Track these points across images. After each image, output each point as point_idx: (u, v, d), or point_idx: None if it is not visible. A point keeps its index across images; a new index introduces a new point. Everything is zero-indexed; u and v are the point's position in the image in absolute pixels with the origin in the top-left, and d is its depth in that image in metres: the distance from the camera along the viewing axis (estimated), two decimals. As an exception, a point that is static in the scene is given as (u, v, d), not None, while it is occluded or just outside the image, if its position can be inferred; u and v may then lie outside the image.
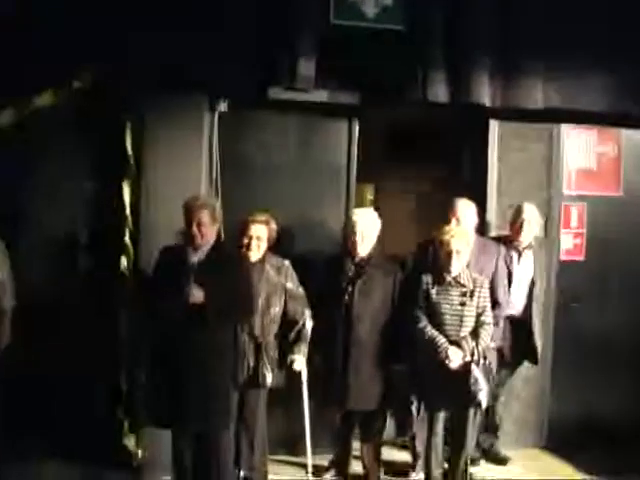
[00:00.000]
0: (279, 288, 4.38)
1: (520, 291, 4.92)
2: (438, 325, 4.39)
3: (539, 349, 4.97)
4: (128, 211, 4.71)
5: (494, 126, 5.28)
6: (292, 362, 4.37)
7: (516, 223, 4.90)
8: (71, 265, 4.87)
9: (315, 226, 5.04)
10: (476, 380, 4.31)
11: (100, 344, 4.64)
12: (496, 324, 4.61)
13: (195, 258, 4.03)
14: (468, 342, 4.35)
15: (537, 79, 4.98)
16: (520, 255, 4.92)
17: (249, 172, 5.04)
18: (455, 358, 4.32)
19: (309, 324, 4.42)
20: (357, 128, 5.16)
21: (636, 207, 5.53)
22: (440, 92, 4.87)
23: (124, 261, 4.70)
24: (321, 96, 4.87)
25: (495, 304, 4.63)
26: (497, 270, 4.76)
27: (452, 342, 4.35)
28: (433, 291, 4.43)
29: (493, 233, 5.21)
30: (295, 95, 4.79)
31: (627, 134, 5.52)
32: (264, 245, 4.38)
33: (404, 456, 5.13)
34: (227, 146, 4.94)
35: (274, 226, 4.43)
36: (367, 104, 4.95)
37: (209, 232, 4.04)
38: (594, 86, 5.09)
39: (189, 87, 4.63)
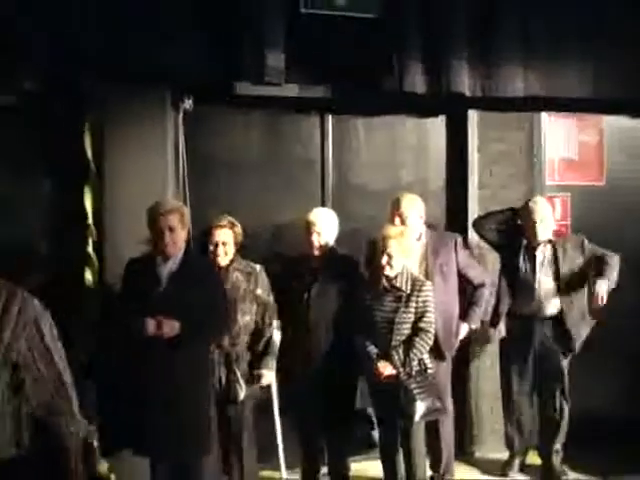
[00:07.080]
0: (248, 295, 4.17)
1: (544, 289, 4.66)
2: (371, 334, 4.10)
3: (574, 348, 4.71)
4: (91, 219, 4.42)
5: (473, 116, 5.13)
6: (259, 377, 4.18)
7: (528, 224, 4.66)
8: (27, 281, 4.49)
9: (287, 229, 4.83)
10: (407, 393, 3.98)
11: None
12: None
13: (166, 269, 3.74)
14: (399, 353, 4.02)
15: (518, 66, 4.84)
16: (535, 250, 4.67)
17: (217, 173, 4.86)
18: (383, 371, 4.03)
19: (277, 336, 4.22)
20: (330, 123, 5.00)
21: (619, 196, 5.42)
22: (417, 82, 4.71)
23: (88, 275, 4.40)
24: (291, 90, 4.68)
25: (479, 286, 4.52)
26: (458, 257, 4.51)
27: (384, 353, 4.06)
28: (368, 296, 4.14)
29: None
30: (264, 90, 4.59)
31: (609, 121, 5.41)
32: (231, 249, 4.19)
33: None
34: (193, 146, 4.74)
35: (239, 229, 4.24)
36: (340, 97, 4.78)
37: (180, 239, 3.75)
38: (575, 72, 4.96)
39: (150, 83, 4.39)
